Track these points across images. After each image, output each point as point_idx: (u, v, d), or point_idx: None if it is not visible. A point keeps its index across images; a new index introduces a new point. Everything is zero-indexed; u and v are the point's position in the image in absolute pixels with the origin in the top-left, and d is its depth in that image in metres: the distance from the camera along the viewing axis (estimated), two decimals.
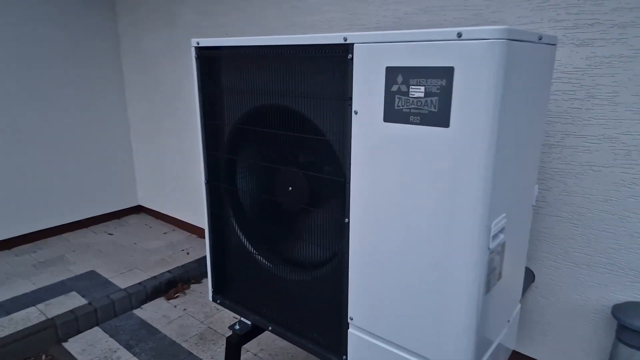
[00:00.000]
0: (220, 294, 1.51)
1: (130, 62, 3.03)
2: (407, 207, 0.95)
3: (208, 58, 1.29)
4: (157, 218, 3.21)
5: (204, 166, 1.39)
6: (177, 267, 2.42)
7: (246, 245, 1.37)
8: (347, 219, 1.07)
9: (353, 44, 0.96)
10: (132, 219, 3.21)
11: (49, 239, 2.86)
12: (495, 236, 0.90)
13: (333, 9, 1.69)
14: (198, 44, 1.30)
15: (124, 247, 2.73)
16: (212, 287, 1.50)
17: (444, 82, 0.84)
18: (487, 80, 0.80)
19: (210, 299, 1.52)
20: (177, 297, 2.27)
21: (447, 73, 0.84)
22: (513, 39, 0.81)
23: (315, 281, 1.21)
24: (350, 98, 1.00)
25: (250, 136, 1.28)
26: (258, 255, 1.36)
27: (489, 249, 0.89)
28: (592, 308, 1.43)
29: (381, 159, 0.97)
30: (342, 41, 0.98)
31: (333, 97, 1.03)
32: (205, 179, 1.40)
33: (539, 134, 1.14)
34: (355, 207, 1.04)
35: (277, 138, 1.21)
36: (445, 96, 0.85)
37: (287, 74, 1.11)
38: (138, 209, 3.34)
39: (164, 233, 2.95)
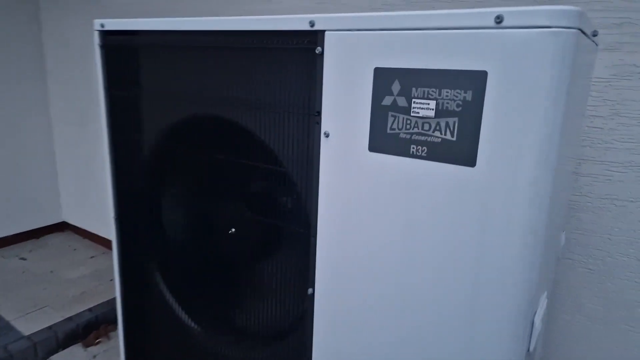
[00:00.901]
0: None
1: (54, 53, 2.55)
2: (405, 291, 0.63)
3: (119, 47, 0.92)
4: (84, 237, 2.72)
5: (113, 196, 1.01)
6: (102, 303, 1.98)
7: (172, 305, 1.00)
8: (310, 290, 0.73)
9: (324, 31, 0.63)
10: (54, 239, 2.70)
11: None
12: (535, 329, 0.60)
13: None
14: (103, 26, 0.92)
15: (37, 276, 2.25)
16: (125, 358, 1.12)
17: (469, 95, 0.53)
18: (544, 94, 0.49)
19: None
20: (99, 343, 1.84)
21: (475, 80, 0.52)
22: (583, 30, 0.51)
23: None
24: (319, 113, 0.67)
25: (181, 157, 0.92)
26: (189, 319, 0.99)
27: (528, 351, 0.58)
28: None
29: (364, 207, 0.64)
30: (307, 27, 0.65)
31: (293, 110, 0.70)
32: (115, 214, 1.02)
33: (573, 166, 0.86)
34: (323, 272, 0.71)
35: (216, 163, 0.86)
36: (470, 117, 0.53)
37: (230, 73, 0.76)
38: (62, 227, 2.83)
39: (91, 257, 2.48)
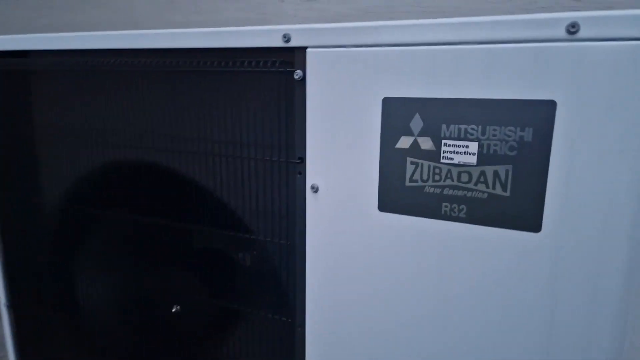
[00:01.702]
0: None
1: None
2: None
3: (3, 72, 0.66)
4: None
5: (2, 277, 0.73)
6: None
7: None
8: None
9: (304, 48, 0.45)
10: None
11: None
12: None
13: (235, 5, 1.16)
14: None
15: None
16: None
17: (528, 134, 0.38)
18: None
19: None
20: None
21: (538, 114, 0.37)
22: None
23: None
24: (302, 160, 0.48)
25: (100, 219, 0.68)
26: None
27: None
28: None
29: (375, 287, 0.46)
30: (279, 42, 0.46)
31: (263, 157, 0.51)
32: (7, 301, 0.74)
33: None
34: None
35: (148, 226, 0.63)
36: (531, 164, 0.38)
37: (168, 104, 0.55)
38: None
39: None
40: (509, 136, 0.38)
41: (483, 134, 0.39)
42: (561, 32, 0.35)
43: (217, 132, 0.52)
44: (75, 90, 0.60)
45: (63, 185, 0.65)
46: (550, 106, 0.37)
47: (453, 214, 0.42)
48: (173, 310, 0.69)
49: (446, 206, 0.42)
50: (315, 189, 0.48)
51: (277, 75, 0.47)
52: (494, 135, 0.39)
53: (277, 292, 0.54)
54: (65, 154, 0.64)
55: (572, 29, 0.35)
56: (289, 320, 0.53)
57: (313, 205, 0.48)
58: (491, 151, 0.39)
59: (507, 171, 0.39)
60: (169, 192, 0.58)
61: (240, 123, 0.51)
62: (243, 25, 0.48)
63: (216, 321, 0.63)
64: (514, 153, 0.39)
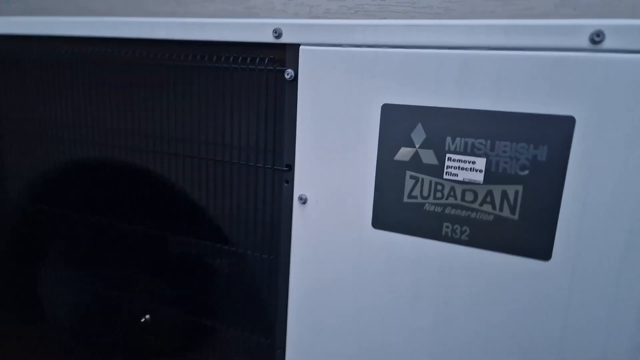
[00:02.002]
0: None
1: None
2: None
3: None
4: None
5: None
6: None
7: None
8: None
9: (297, 45, 0.41)
10: None
11: None
12: None
13: None
14: None
15: None
16: None
17: (542, 153, 0.34)
18: None
19: None
20: None
21: (554, 130, 0.34)
22: None
23: None
24: (290, 167, 0.44)
25: (65, 222, 0.62)
26: None
27: None
28: None
29: (365, 309, 0.42)
30: (270, 38, 0.42)
31: (247, 162, 0.46)
32: None
33: None
34: None
35: (117, 231, 0.58)
36: (544, 186, 0.34)
37: (142, 99, 0.50)
38: None
39: None
40: (521, 154, 0.35)
41: (492, 149, 0.36)
42: (584, 41, 0.32)
43: (195, 131, 0.48)
44: (37, 81, 0.55)
45: (23, 183, 0.59)
46: (568, 123, 0.33)
47: (455, 235, 0.38)
48: (142, 320, 0.64)
49: (447, 227, 0.38)
50: (303, 200, 0.43)
51: (265, 73, 0.43)
52: (504, 151, 0.35)
53: (256, 310, 0.50)
54: (29, 150, 0.58)
55: (597, 38, 0.31)
56: (268, 341, 0.49)
57: (300, 218, 0.44)
58: (500, 169, 0.36)
59: (516, 192, 0.35)
60: (139, 194, 0.53)
61: (224, 124, 0.46)
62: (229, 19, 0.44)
63: (187, 336, 0.58)
64: (525, 172, 0.35)
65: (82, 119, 0.53)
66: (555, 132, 0.33)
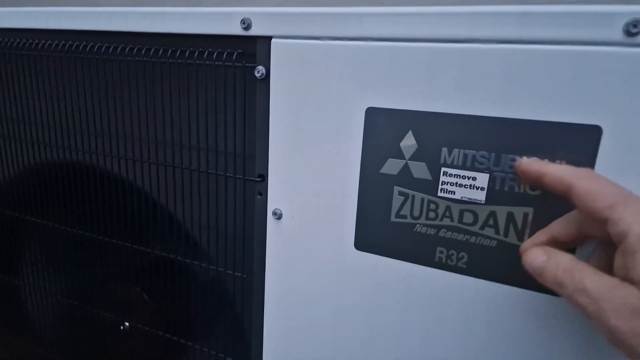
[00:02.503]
0: None
1: None
2: None
3: None
4: None
5: None
6: None
7: None
8: None
9: (269, 37, 0.35)
10: None
11: None
12: None
13: None
14: None
15: None
16: None
17: None
18: None
19: None
20: None
21: (575, 142, 0.27)
22: None
23: None
24: (262, 178, 0.38)
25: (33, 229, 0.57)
26: None
27: None
28: None
29: (345, 337, 0.37)
30: (237, 30, 0.35)
31: (215, 171, 0.40)
32: None
33: None
34: None
35: (84, 240, 0.53)
36: (559, 209, 0.28)
37: (99, 97, 0.44)
38: None
39: None
40: None
41: (496, 164, 0.29)
42: (617, 33, 0.25)
43: (157, 133, 0.42)
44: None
45: None
46: (593, 133, 0.27)
47: (450, 262, 0.32)
48: (122, 327, 0.60)
49: (441, 252, 0.32)
50: (277, 215, 0.38)
51: (233, 70, 0.37)
52: (512, 166, 0.29)
53: (231, 330, 0.45)
54: None
55: (634, 29, 0.25)
56: None
57: (275, 235, 0.38)
58: (506, 187, 0.30)
59: (525, 215, 0.29)
60: (98, 201, 0.48)
61: (190, 126, 0.40)
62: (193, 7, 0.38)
63: (157, 353, 0.53)
64: (537, 192, 0.29)
65: (34, 119, 0.48)
66: (577, 145, 0.27)
